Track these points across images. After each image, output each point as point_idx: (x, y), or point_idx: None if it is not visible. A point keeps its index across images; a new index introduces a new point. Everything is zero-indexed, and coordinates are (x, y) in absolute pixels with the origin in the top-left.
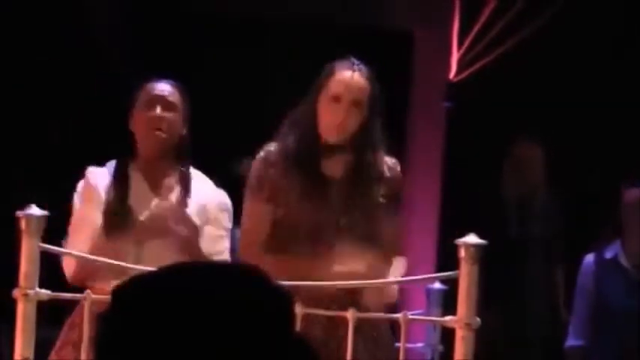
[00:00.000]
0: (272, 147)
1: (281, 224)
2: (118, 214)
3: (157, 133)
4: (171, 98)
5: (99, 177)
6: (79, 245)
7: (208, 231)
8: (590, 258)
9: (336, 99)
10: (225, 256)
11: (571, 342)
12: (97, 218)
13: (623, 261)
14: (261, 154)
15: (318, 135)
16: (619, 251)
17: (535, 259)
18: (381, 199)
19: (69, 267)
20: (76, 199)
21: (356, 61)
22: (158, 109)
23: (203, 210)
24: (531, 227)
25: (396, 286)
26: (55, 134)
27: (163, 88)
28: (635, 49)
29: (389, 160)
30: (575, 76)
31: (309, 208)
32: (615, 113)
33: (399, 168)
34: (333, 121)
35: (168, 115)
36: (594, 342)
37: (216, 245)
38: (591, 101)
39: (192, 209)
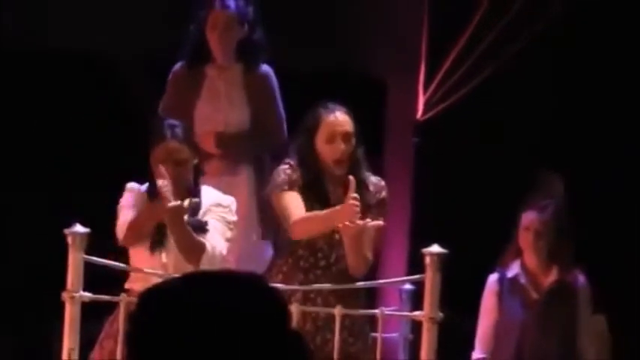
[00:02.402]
0: (289, 175)
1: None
2: (157, 232)
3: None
4: (178, 155)
5: (140, 188)
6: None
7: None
8: (493, 277)
9: (331, 139)
10: (218, 232)
11: (476, 355)
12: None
13: (522, 279)
14: (282, 169)
15: (322, 173)
16: (519, 271)
17: None
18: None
19: (120, 232)
20: (122, 201)
21: (332, 105)
22: (170, 169)
23: (206, 210)
24: None
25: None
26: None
27: (172, 147)
28: (596, 90)
29: (374, 178)
30: (521, 118)
31: None
32: (563, 150)
33: (383, 183)
34: (332, 157)
35: (178, 170)
36: (495, 354)
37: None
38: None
39: (200, 213)
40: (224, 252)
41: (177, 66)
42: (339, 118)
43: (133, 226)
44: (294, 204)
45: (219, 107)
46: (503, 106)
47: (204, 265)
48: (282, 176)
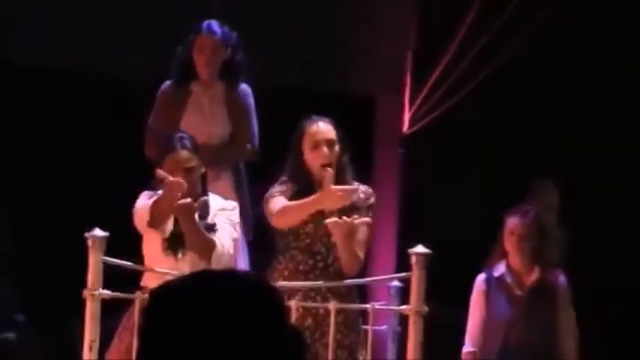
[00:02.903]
0: (280, 187)
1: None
2: (173, 233)
3: (180, 197)
4: (189, 164)
5: (149, 194)
6: (142, 206)
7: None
8: (481, 277)
9: (315, 147)
10: (227, 232)
11: (467, 348)
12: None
13: (508, 279)
14: (275, 187)
15: (312, 180)
16: (505, 270)
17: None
18: (356, 215)
19: (144, 215)
20: (138, 201)
21: (315, 116)
22: (180, 177)
23: (214, 215)
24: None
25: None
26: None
27: (182, 156)
28: (566, 102)
29: (363, 186)
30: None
31: (307, 231)
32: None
33: (371, 190)
34: (318, 162)
35: (188, 178)
36: (483, 348)
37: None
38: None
39: (209, 218)
40: (231, 250)
41: (166, 84)
42: (321, 126)
43: (155, 207)
44: (278, 202)
45: (204, 120)
46: (482, 119)
47: (214, 262)
48: (276, 188)
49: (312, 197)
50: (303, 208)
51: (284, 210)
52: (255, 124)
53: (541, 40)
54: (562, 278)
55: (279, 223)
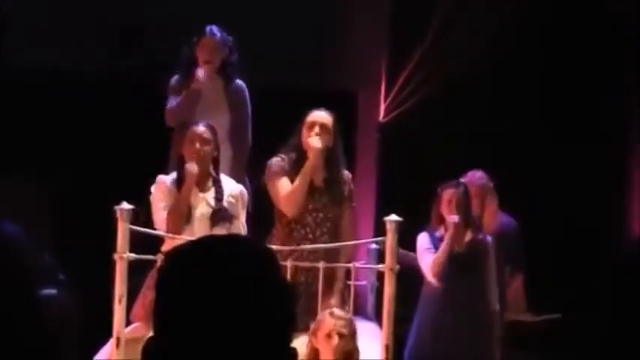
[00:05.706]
0: (279, 159)
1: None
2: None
3: (195, 163)
4: (206, 135)
5: (166, 181)
6: (160, 221)
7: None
8: (424, 234)
9: (311, 127)
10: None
11: (433, 279)
12: (164, 211)
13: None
14: (274, 160)
15: (305, 154)
16: (444, 232)
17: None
18: (344, 199)
19: (163, 226)
20: (153, 195)
21: (320, 108)
22: (197, 145)
23: (228, 197)
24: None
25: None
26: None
27: (201, 129)
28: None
29: (345, 172)
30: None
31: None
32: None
33: (350, 176)
34: (310, 139)
35: (203, 149)
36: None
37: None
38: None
39: (224, 201)
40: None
41: (174, 78)
42: (321, 113)
43: (171, 219)
44: (283, 189)
45: (208, 109)
46: (447, 109)
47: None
48: (274, 168)
49: (304, 169)
50: (304, 178)
51: (288, 198)
52: (249, 111)
53: (506, 39)
54: (489, 238)
55: (290, 212)
